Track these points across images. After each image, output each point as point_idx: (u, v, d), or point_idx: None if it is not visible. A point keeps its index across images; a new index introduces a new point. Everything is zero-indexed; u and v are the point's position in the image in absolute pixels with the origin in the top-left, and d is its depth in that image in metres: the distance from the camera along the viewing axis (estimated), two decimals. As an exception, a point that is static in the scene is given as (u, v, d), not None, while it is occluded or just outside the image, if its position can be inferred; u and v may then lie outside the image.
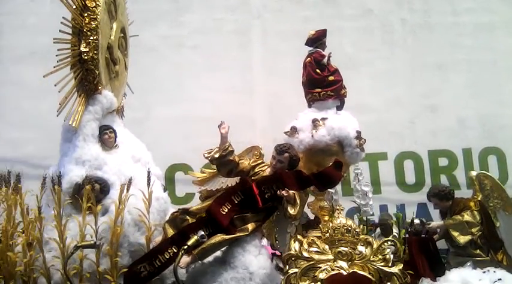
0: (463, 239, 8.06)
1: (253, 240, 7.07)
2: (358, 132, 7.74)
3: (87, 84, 7.61)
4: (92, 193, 6.80)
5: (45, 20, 12.14)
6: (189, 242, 6.17)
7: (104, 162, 7.44)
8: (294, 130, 7.86)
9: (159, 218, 7.39)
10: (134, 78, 11.32)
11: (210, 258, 7.05)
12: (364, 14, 12.40)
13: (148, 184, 7.06)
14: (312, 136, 7.68)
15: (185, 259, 6.66)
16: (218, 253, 7.08)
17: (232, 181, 7.46)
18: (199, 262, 6.95)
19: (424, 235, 8.52)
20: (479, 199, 8.27)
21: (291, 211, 6.77)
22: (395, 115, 10.47)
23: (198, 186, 7.88)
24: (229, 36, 12.20)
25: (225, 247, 6.99)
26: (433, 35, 12.09)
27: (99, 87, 7.69)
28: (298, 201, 6.82)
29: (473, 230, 8.12)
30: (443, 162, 11.76)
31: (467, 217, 8.15)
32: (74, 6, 7.45)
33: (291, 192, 6.74)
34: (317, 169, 7.43)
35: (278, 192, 6.72)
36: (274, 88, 11.84)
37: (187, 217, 7.22)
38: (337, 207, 7.04)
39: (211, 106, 11.36)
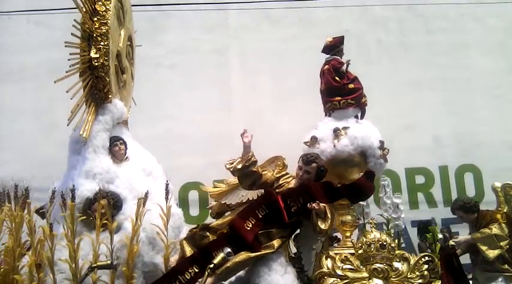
0: (492, 253, 7.67)
1: (279, 258, 6.67)
2: (381, 142, 7.43)
3: (97, 92, 7.22)
4: (107, 208, 6.28)
5: (21, 39, 12.15)
6: (216, 261, 5.66)
7: (116, 175, 6.97)
8: (314, 141, 7.50)
9: (174, 235, 6.96)
10: None
11: (232, 278, 6.62)
12: (340, 34, 12.18)
13: (167, 198, 6.63)
14: (334, 146, 7.32)
15: (207, 280, 6.13)
16: (241, 273, 6.66)
17: (253, 194, 7.12)
18: (222, 282, 6.49)
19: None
20: (504, 211, 7.94)
21: (322, 225, 6.41)
22: None
23: (214, 199, 7.53)
24: (207, 56, 12.15)
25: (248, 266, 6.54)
26: (408, 54, 12.18)
27: (109, 96, 7.28)
28: (329, 215, 6.45)
29: (502, 243, 7.76)
30: (420, 179, 11.71)
31: (495, 230, 7.78)
32: (84, 10, 7.00)
33: (321, 204, 6.35)
34: (339, 181, 7.13)
35: (308, 205, 6.34)
36: (252, 106, 11.76)
37: (208, 233, 6.80)
38: (370, 221, 6.64)
39: (190, 125, 11.30)
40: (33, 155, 11.21)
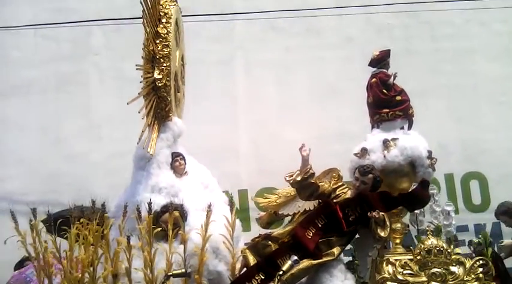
0: None
1: (339, 265, 7.04)
2: (429, 152, 7.76)
3: (159, 112, 7.66)
4: (180, 220, 6.77)
5: (28, 53, 12.33)
6: (284, 268, 6.07)
7: (179, 189, 7.39)
8: (364, 152, 7.79)
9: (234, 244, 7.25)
10: (117, 111, 11.35)
11: (294, 285, 6.92)
12: (345, 43, 12.45)
13: (231, 209, 7.10)
14: (384, 157, 7.61)
15: None
16: (302, 280, 7.01)
17: (310, 205, 7.45)
18: (286, 289, 6.81)
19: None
20: None
21: (382, 233, 6.76)
22: None
23: (272, 210, 7.91)
24: (213, 66, 12.15)
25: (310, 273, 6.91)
26: (413, 62, 11.93)
27: (170, 115, 7.74)
28: (387, 223, 6.81)
29: None
30: (425, 187, 11.76)
31: None
32: (147, 34, 7.47)
33: (380, 213, 6.72)
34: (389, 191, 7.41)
35: (369, 213, 6.69)
36: (258, 118, 11.88)
37: (270, 242, 7.20)
38: (427, 228, 7.01)
39: (195, 136, 10.91)
40: (39, 169, 11.45)
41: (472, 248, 7.95)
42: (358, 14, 12.40)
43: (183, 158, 7.74)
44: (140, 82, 7.35)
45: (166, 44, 7.58)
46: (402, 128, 8.06)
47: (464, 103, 11.99)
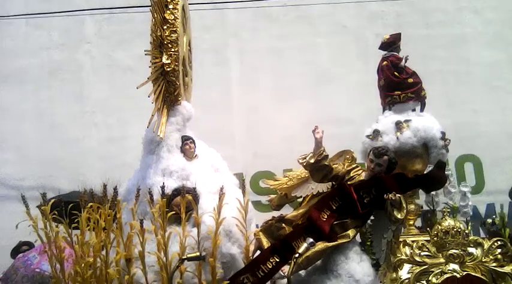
0: None
1: (354, 246, 7.01)
2: (443, 133, 7.74)
3: (168, 96, 7.60)
4: (193, 203, 6.66)
5: (20, 42, 12.42)
6: (300, 250, 6.00)
7: (190, 172, 7.31)
8: (376, 134, 7.76)
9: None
10: (110, 98, 11.69)
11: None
12: (339, 30, 12.50)
13: (244, 192, 7.03)
14: (397, 138, 7.58)
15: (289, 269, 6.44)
16: (318, 262, 6.99)
17: (323, 187, 7.36)
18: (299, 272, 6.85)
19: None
20: None
21: (398, 215, 6.67)
22: (369, 127, 10.61)
23: (283, 192, 7.83)
24: (206, 54, 12.11)
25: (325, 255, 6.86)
26: (407, 48, 11.78)
27: (179, 99, 7.69)
28: (404, 205, 6.72)
29: None
30: (420, 170, 11.84)
31: None
32: (154, 20, 7.41)
33: (397, 195, 6.63)
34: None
35: (385, 195, 6.62)
36: (251, 103, 11.93)
37: (284, 225, 7.17)
38: (444, 209, 6.97)
39: (190, 123, 11.14)
40: (35, 155, 11.59)
41: (486, 229, 7.88)
42: (351, 2, 12.50)
43: (193, 141, 7.68)
44: (150, 67, 7.40)
45: (174, 29, 7.52)
46: (414, 110, 8.03)
47: (458, 88, 12.09)
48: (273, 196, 8.05)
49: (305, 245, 6.03)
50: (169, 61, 7.43)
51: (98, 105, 12.09)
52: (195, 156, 7.70)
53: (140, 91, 12.18)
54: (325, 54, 12.42)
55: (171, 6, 7.62)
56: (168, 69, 7.44)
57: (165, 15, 7.55)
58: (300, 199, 7.86)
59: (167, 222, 6.64)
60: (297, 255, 5.97)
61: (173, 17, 7.57)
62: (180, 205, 6.70)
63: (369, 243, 7.33)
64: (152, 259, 6.53)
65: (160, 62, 7.42)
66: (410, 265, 6.63)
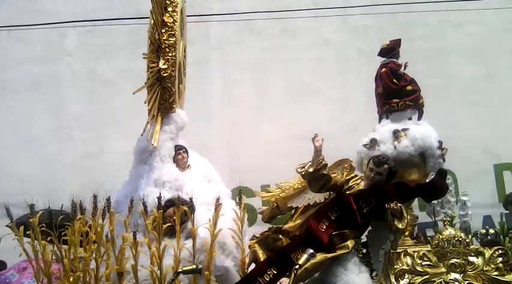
0: None
1: (353, 258, 6.82)
2: (440, 142, 7.61)
3: (162, 103, 7.36)
4: (189, 214, 6.53)
5: (1, 55, 12.36)
6: (300, 262, 5.72)
7: (183, 183, 7.10)
8: (374, 143, 7.62)
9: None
10: (89, 112, 11.57)
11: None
12: (321, 44, 12.51)
13: (240, 203, 6.78)
14: (395, 147, 7.45)
15: (287, 281, 6.24)
16: (315, 274, 6.77)
17: (320, 197, 7.19)
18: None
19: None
20: None
21: (399, 225, 6.51)
22: (351, 141, 10.59)
23: (279, 204, 7.63)
24: (188, 67, 12.00)
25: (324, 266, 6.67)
26: None
27: (174, 106, 7.46)
28: (405, 214, 6.57)
29: None
30: (397, 184, 11.85)
31: None
32: (153, 22, 7.20)
33: (398, 204, 6.48)
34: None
35: (386, 205, 6.46)
36: (233, 117, 11.86)
37: (280, 236, 7.01)
38: (444, 219, 6.89)
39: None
40: (11, 171, 11.33)
41: (479, 240, 7.82)
42: (334, 16, 12.43)
43: (186, 151, 7.48)
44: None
45: (172, 33, 7.29)
46: (410, 119, 7.91)
47: (437, 102, 11.73)
48: (264, 208, 7.89)
49: (305, 256, 5.77)
50: (166, 66, 7.21)
51: (76, 119, 11.92)
52: (188, 166, 7.49)
53: (121, 104, 12.21)
54: (307, 67, 12.36)
55: (170, 9, 7.39)
56: (165, 75, 7.22)
57: (164, 17, 7.30)
58: (292, 211, 7.69)
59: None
60: (297, 266, 5.71)
61: (172, 20, 7.35)
62: (173, 216, 6.52)
63: (361, 255, 7.26)
64: (144, 272, 6.31)
65: (157, 66, 7.15)
66: (411, 275, 6.53)
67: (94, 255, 6.28)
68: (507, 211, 8.63)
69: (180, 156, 7.37)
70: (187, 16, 11.20)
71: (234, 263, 6.82)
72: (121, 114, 11.90)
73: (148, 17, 12.35)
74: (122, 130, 11.51)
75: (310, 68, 12.28)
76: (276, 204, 7.74)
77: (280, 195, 7.66)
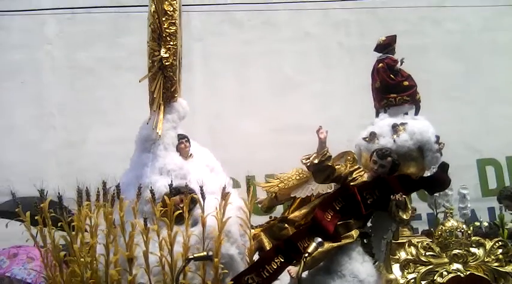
0: None
1: (357, 247, 6.98)
2: (437, 137, 7.79)
3: (165, 92, 7.33)
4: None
5: None
6: (310, 250, 5.96)
7: (188, 171, 7.14)
8: (373, 136, 7.78)
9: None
10: (69, 100, 11.57)
11: (311, 268, 6.82)
12: (303, 38, 12.68)
13: (248, 191, 6.83)
14: (394, 141, 7.60)
15: (294, 269, 6.51)
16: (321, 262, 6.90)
17: (323, 187, 7.36)
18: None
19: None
20: None
21: (403, 216, 6.71)
22: (333, 134, 10.77)
23: (283, 194, 7.78)
24: None
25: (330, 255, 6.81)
26: (369, 57, 12.00)
27: (176, 95, 7.48)
28: (409, 205, 6.78)
29: None
30: (380, 177, 12.03)
31: None
32: (153, 10, 7.15)
33: (403, 196, 6.66)
34: (394, 175, 7.39)
35: (392, 196, 6.66)
36: (215, 109, 11.97)
37: (286, 225, 7.11)
38: (446, 210, 7.08)
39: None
40: None
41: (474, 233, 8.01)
42: (315, 9, 12.61)
43: (188, 140, 7.51)
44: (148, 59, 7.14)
45: (173, 21, 7.27)
46: (406, 113, 8.10)
47: None
48: (262, 198, 7.96)
49: (314, 244, 6.00)
50: (167, 55, 7.15)
51: (57, 107, 11.88)
52: (190, 155, 7.52)
53: (102, 94, 12.15)
54: (289, 61, 12.56)
55: None
56: (167, 64, 7.17)
57: (164, 6, 7.24)
58: (289, 202, 7.87)
59: (165, 222, 6.43)
60: (306, 255, 5.94)
61: (172, 9, 7.29)
62: (178, 204, 6.55)
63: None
64: (152, 259, 6.31)
65: (159, 55, 7.11)
66: (415, 265, 6.84)
67: (104, 241, 6.24)
68: (501, 205, 8.83)
69: (182, 145, 7.40)
70: (169, 6, 11.29)
71: (238, 251, 6.85)
72: (102, 102, 11.93)
73: (128, 6, 12.55)
74: (103, 119, 11.72)
75: (292, 61, 12.49)
76: (274, 194, 7.89)
77: (279, 185, 7.76)
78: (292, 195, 7.58)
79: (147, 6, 11.90)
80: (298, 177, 7.62)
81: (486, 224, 8.15)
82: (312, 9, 12.66)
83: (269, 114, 11.95)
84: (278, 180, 7.89)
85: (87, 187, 6.60)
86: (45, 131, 11.64)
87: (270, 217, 7.73)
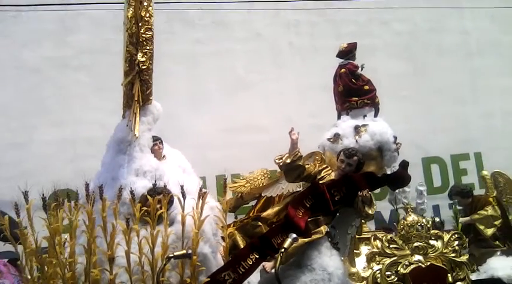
0: (489, 231, 9.01)
1: (325, 242, 7.31)
2: (395, 137, 8.38)
3: (139, 95, 7.47)
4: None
5: None
6: (286, 245, 6.25)
7: (163, 172, 7.32)
8: (337, 137, 8.32)
9: (214, 227, 7.34)
10: (14, 99, 11.36)
11: (281, 262, 7.20)
12: (254, 37, 12.67)
13: (225, 191, 7.10)
14: (357, 141, 8.16)
15: (269, 264, 6.86)
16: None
17: (293, 186, 7.80)
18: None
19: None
20: (494, 195, 9.34)
21: (369, 211, 7.14)
22: (285, 134, 11.06)
23: (256, 193, 8.16)
24: (118, 57, 11.79)
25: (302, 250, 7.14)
26: (318, 57, 12.49)
27: (150, 98, 7.66)
28: (373, 201, 7.21)
29: (496, 223, 9.06)
30: (330, 175, 12.30)
31: (490, 211, 9.11)
32: (130, 15, 7.31)
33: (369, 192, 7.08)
34: (358, 174, 7.85)
35: (359, 192, 7.06)
36: (165, 109, 11.54)
37: (259, 223, 7.46)
38: (407, 206, 7.64)
39: (98, 127, 10.62)
40: None
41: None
42: (266, 9, 12.79)
43: (162, 142, 7.76)
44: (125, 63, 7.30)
45: (149, 27, 7.44)
46: (365, 116, 8.63)
47: None
48: (227, 198, 8.15)
49: (289, 240, 6.28)
50: (144, 59, 7.36)
51: (1, 107, 11.53)
52: (164, 156, 7.76)
53: (48, 93, 11.99)
54: (241, 60, 12.68)
55: (145, 3, 7.47)
56: (143, 67, 7.37)
57: (140, 11, 7.40)
58: (253, 202, 8.29)
59: (141, 223, 6.62)
60: (283, 250, 6.22)
61: (148, 14, 7.46)
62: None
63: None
64: (132, 258, 6.47)
65: (136, 59, 7.32)
66: (381, 257, 7.33)
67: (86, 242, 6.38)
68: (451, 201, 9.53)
69: (156, 147, 7.63)
70: (117, 3, 11.07)
71: (211, 250, 7.10)
72: (48, 102, 11.67)
73: (74, 4, 12.37)
74: (50, 120, 11.44)
75: (243, 60, 12.62)
76: (240, 194, 8.27)
77: (245, 185, 8.17)
78: (263, 194, 7.95)
79: (95, 3, 12.03)
80: (263, 177, 7.95)
81: (438, 219, 8.64)
82: (263, 9, 12.81)
83: (221, 114, 12.00)
84: (244, 180, 8.27)
85: (68, 189, 6.72)
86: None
87: (236, 217, 8.07)
